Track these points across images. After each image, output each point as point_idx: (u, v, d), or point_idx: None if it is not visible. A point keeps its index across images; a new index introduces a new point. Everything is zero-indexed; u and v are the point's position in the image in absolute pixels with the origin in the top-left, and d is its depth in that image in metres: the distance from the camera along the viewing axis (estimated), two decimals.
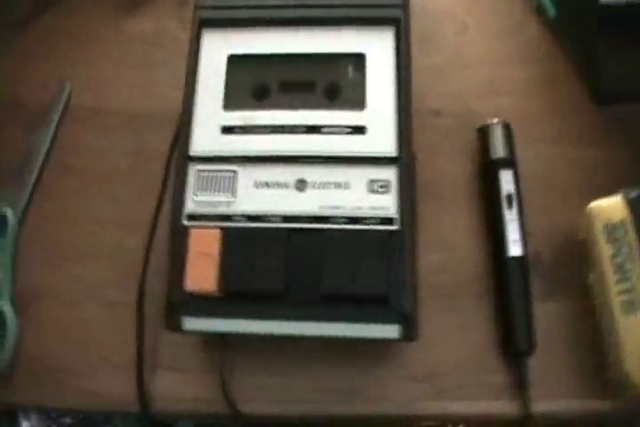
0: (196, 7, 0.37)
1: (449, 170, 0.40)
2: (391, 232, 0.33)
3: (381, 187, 0.34)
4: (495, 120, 0.39)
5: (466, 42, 0.43)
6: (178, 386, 0.37)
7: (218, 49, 0.36)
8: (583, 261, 0.37)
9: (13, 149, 0.43)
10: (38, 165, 0.43)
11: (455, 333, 0.37)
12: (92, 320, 0.39)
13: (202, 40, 0.36)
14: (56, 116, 0.44)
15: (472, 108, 0.42)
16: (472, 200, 0.40)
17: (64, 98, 0.44)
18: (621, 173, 0.39)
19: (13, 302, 0.39)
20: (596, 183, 0.39)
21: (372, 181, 0.34)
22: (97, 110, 0.44)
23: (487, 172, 0.39)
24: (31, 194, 0.42)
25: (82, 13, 0.47)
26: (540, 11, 0.44)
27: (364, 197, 0.34)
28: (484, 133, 0.40)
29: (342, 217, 0.33)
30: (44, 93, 0.44)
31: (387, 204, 0.33)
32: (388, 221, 0.33)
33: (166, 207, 0.39)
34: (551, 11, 0.43)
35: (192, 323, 0.32)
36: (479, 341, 0.37)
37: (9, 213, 0.41)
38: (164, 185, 0.39)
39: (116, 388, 0.37)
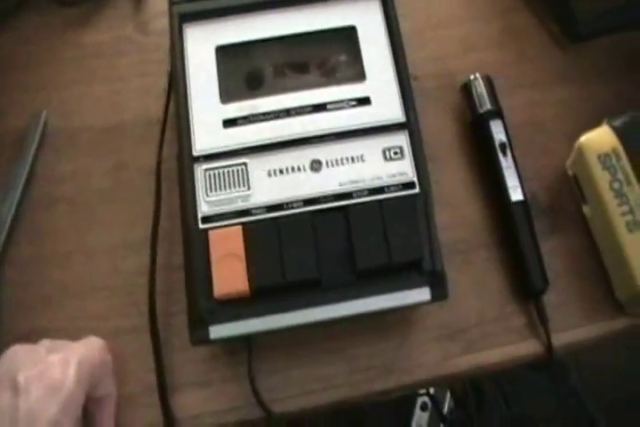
0: (172, 3, 0.33)
1: (437, 130, 0.39)
2: (414, 195, 0.32)
3: (395, 153, 0.32)
4: (477, 75, 0.38)
5: (432, 5, 0.42)
6: (204, 401, 0.34)
7: (203, 42, 0.33)
8: (575, 195, 0.37)
9: None
10: (15, 201, 0.37)
11: (473, 285, 0.36)
12: None
13: (184, 35, 0.33)
14: (33, 147, 0.38)
15: (448, 67, 0.40)
16: (463, 156, 0.39)
17: (40, 127, 0.39)
18: (599, 106, 0.39)
19: None
20: (576, 120, 0.39)
21: (386, 149, 0.32)
22: (69, 132, 0.39)
23: (477, 125, 0.38)
24: (10, 232, 0.36)
25: (32, 34, 0.41)
26: None
27: (381, 167, 0.32)
28: (467, 89, 0.38)
29: (363, 190, 0.31)
30: (5, 122, 0.39)
31: (404, 169, 0.32)
32: (409, 185, 0.32)
33: (164, 220, 0.35)
34: None
35: (219, 331, 0.30)
36: (496, 288, 0.36)
37: None
38: (158, 195, 0.35)
39: (143, 417, 0.33)
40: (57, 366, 0.29)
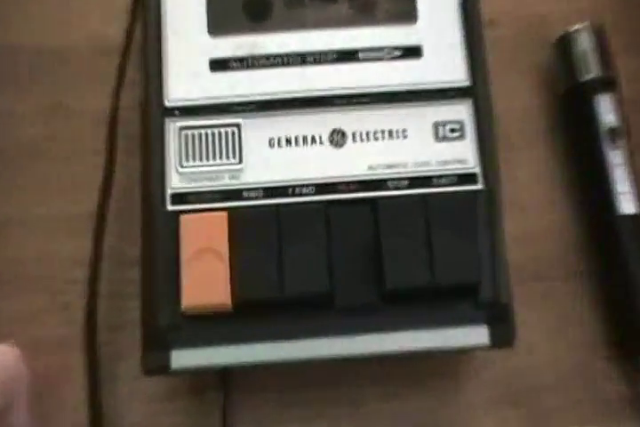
0: None
1: (514, 103, 0.41)
2: (475, 193, 0.33)
3: (452, 131, 0.34)
4: (581, 25, 0.40)
5: None
6: None
7: None
8: None
9: None
10: None
11: (551, 330, 0.38)
12: None
13: None
14: None
15: (539, 11, 0.43)
16: (549, 143, 0.41)
17: None
18: None
19: None
20: None
21: (439, 124, 0.34)
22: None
23: (575, 99, 0.40)
24: None
25: None
26: None
27: (430, 148, 0.34)
28: (565, 45, 0.41)
29: (402, 178, 0.33)
30: None
31: (463, 154, 0.34)
32: (469, 177, 0.34)
33: (117, 192, 0.38)
34: None
35: (184, 358, 0.31)
36: (584, 337, 0.38)
37: None
38: (111, 157, 0.38)
39: None
40: None
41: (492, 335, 0.32)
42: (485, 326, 0.32)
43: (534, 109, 0.42)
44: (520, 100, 0.42)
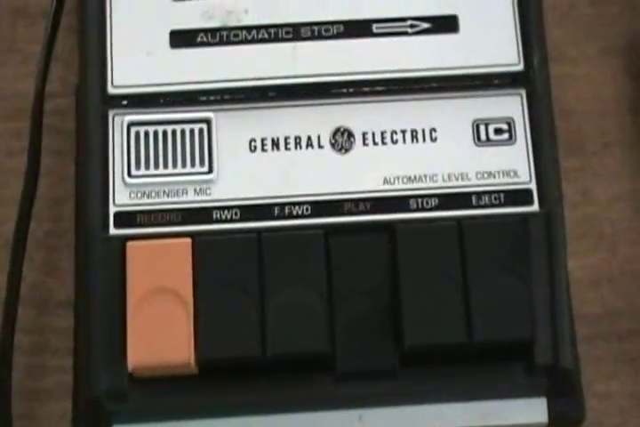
0: None
1: (589, 93, 0.42)
2: (528, 217, 0.34)
3: (498, 132, 0.35)
4: None
5: None
6: None
7: None
8: None
9: None
10: None
11: (637, 408, 0.38)
12: None
13: None
14: None
15: None
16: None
17: None
18: None
19: None
20: None
21: (480, 123, 0.35)
22: None
23: None
24: None
25: None
26: None
27: (468, 155, 0.35)
28: None
29: (430, 196, 0.34)
30: None
31: (512, 163, 0.35)
32: (520, 195, 0.34)
33: (42, 208, 0.39)
34: None
35: None
36: None
37: None
38: (34, 162, 0.37)
39: None
40: None
41: (552, 412, 0.33)
42: (542, 398, 0.33)
43: (618, 101, 0.42)
44: (597, 89, 0.42)
